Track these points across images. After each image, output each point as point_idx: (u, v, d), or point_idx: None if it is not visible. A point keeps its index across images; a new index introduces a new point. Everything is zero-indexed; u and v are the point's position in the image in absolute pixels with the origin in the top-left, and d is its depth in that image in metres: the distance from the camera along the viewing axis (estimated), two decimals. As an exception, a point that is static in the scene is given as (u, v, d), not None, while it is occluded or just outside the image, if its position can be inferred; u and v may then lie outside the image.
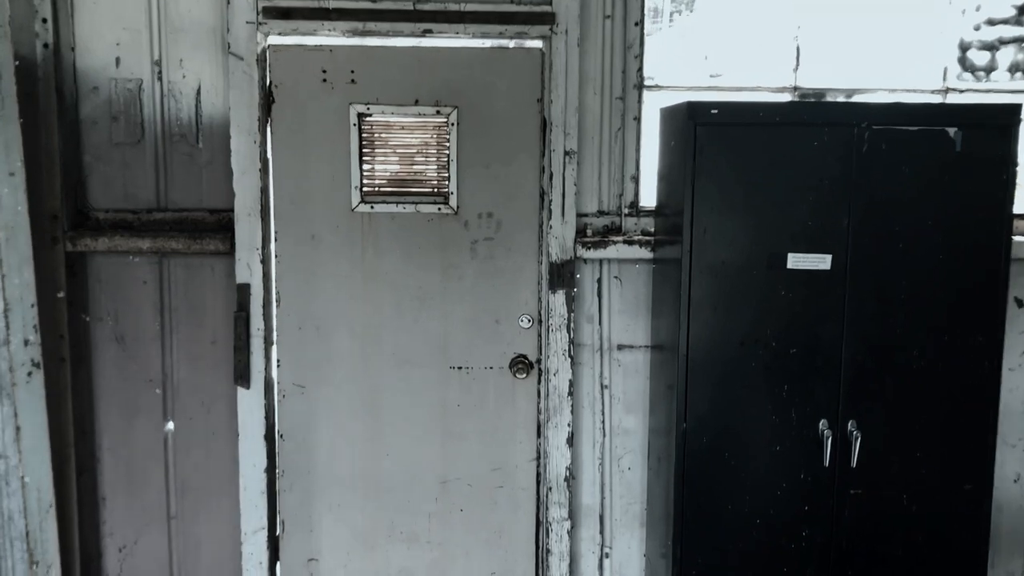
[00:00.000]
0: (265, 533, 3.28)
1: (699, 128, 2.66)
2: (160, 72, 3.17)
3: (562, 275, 3.20)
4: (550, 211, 3.18)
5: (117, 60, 3.16)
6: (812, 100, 3.31)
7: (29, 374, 2.96)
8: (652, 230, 3.27)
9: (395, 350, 3.28)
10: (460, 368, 3.30)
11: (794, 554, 2.83)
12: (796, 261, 2.72)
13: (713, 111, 2.65)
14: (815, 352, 2.76)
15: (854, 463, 2.77)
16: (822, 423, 2.77)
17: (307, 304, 3.24)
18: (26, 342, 2.93)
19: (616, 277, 3.31)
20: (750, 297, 2.73)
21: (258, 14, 3.07)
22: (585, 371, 3.35)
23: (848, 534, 2.82)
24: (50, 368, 3.06)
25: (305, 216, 3.19)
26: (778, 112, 2.69)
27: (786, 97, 3.32)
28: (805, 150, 2.68)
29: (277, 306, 3.24)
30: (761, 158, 2.68)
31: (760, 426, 2.78)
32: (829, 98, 3.33)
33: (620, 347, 3.35)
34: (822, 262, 2.72)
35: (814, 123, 2.68)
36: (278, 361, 3.26)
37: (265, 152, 3.17)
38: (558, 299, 3.22)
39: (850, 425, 2.77)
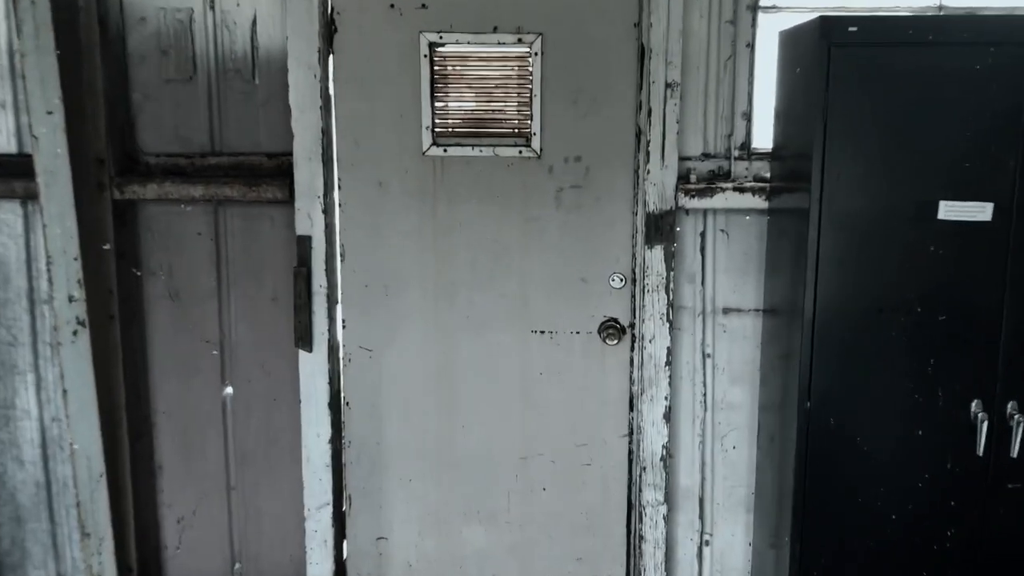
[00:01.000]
0: (330, 509, 3.00)
1: (834, 50, 2.20)
2: (212, 0, 2.85)
3: (660, 228, 2.79)
4: (647, 154, 2.76)
5: (166, -13, 2.85)
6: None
7: (75, 333, 2.72)
8: (767, 176, 2.82)
9: (470, 311, 2.93)
10: (543, 332, 2.94)
11: (935, 556, 2.41)
12: (949, 211, 2.26)
13: (852, 28, 2.19)
14: (969, 320, 2.29)
15: (1014, 452, 2.31)
16: (975, 404, 2.32)
17: (374, 259, 2.91)
18: (70, 298, 2.69)
19: (722, 230, 2.88)
20: (891, 254, 2.28)
21: (317, -70, 2.70)
22: (685, 337, 2.95)
23: (1002, 536, 2.38)
24: (98, 326, 2.81)
25: (371, 160, 2.85)
26: (932, 28, 2.21)
27: (930, 17, 2.81)
28: (964, 76, 2.20)
29: (342, 261, 2.92)
30: (909, 87, 2.21)
31: (899, 406, 2.34)
32: (983, 18, 2.81)
33: (726, 310, 2.93)
34: (981, 212, 2.25)
35: (977, 42, 2.19)
36: (343, 322, 2.95)
37: (327, 88, 2.82)
38: (655, 255, 2.81)
39: (1010, 407, 2.31)
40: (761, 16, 2.81)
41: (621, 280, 2.89)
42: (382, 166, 2.86)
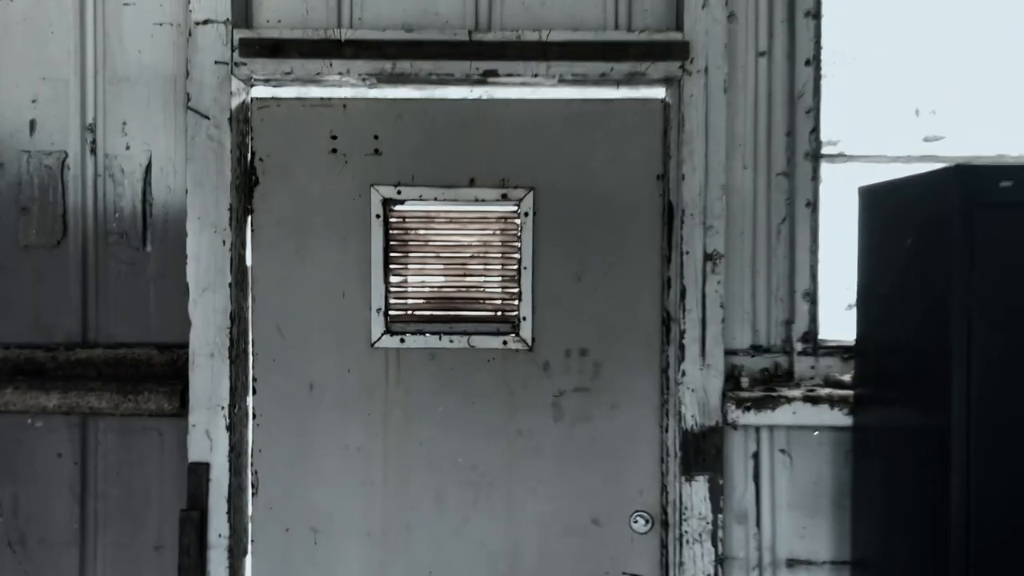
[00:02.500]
0: None
1: (979, 212, 1.47)
2: (94, 141, 2.13)
3: (703, 451, 1.99)
4: (681, 348, 1.99)
5: (32, 124, 2.13)
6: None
7: None
8: (841, 378, 2.05)
9: (436, 566, 2.07)
10: (537, 596, 2.08)
11: None
12: None
13: (1004, 183, 1.47)
14: None
15: None
16: None
17: (300, 494, 2.07)
18: None
19: (783, 451, 2.08)
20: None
21: (233, 50, 2.02)
22: (736, 603, 2.09)
23: None
24: None
25: (301, 355, 2.06)
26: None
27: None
28: None
29: (254, 496, 2.07)
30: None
31: None
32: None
33: (792, 564, 2.09)
34: None
35: None
36: (253, 582, 2.08)
37: (242, 258, 2.07)
38: (697, 491, 1.99)
39: None
40: (825, 167, 2.12)
41: (647, 522, 2.06)
42: (315, 363, 2.07)
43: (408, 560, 2.08)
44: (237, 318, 2.04)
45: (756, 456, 2.10)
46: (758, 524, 2.10)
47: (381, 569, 2.08)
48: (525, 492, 2.08)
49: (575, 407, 2.07)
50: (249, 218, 2.08)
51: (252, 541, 2.08)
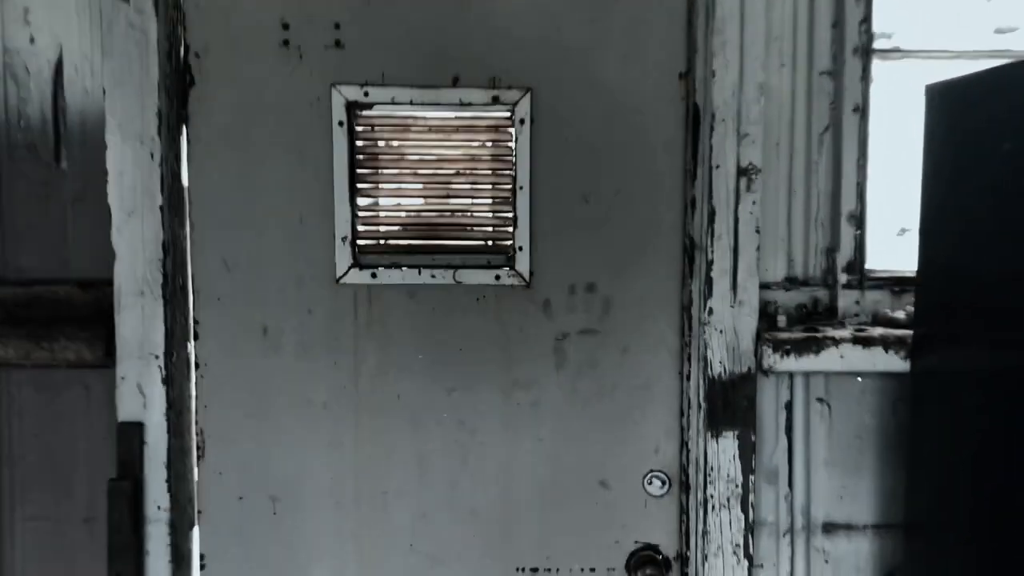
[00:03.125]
0: None
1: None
2: (-11, 33, 1.73)
3: (731, 402, 1.68)
4: (708, 281, 1.67)
5: (-90, 11, 1.72)
6: None
7: None
8: (895, 315, 1.75)
9: (416, 539, 1.76)
10: (535, 571, 1.78)
11: None
12: None
13: None
14: None
15: None
16: None
17: (255, 457, 1.75)
18: None
19: (821, 400, 1.78)
20: None
21: (156, -87, 1.61)
22: (761, 574, 1.81)
23: None
24: None
25: (251, 294, 1.72)
26: None
27: None
28: None
29: (200, 460, 1.74)
30: None
31: None
32: None
33: (828, 528, 1.82)
34: None
35: None
36: (201, 559, 1.75)
37: (176, 176, 1.69)
38: (724, 447, 1.69)
39: None
40: (876, 64, 1.77)
41: (663, 484, 1.77)
42: (270, 303, 1.72)
43: (386, 532, 1.77)
44: (172, 248, 1.68)
45: (789, 407, 1.80)
46: (790, 484, 1.82)
47: (354, 542, 1.77)
48: (522, 452, 1.77)
49: (581, 352, 1.75)
50: (184, 128, 1.70)
51: (199, 512, 1.76)
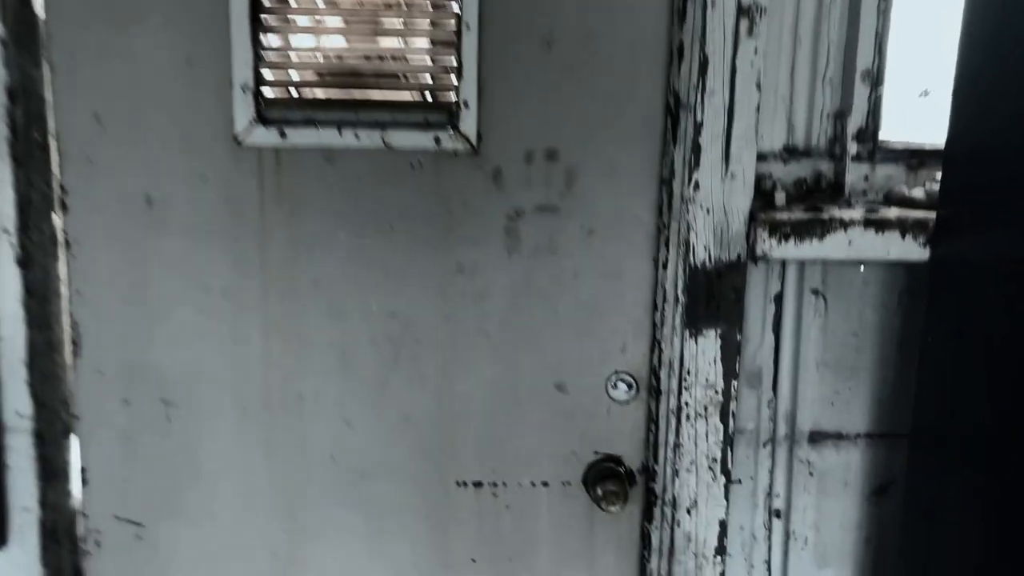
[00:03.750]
0: None
1: None
2: None
3: (716, 295, 1.41)
4: (695, 149, 1.37)
5: None
6: None
7: None
8: (912, 194, 1.47)
9: (337, 449, 1.50)
10: (479, 485, 1.54)
11: None
12: None
13: None
14: None
15: None
16: None
17: (142, 354, 1.45)
18: None
19: (816, 292, 1.52)
20: None
21: None
22: (739, 492, 1.59)
23: None
24: None
25: (130, 154, 1.38)
26: None
27: None
28: None
29: (76, 358, 1.44)
30: None
31: None
32: None
33: (815, 437, 1.59)
34: None
35: None
36: (83, 473, 1.47)
37: (28, 5, 1.32)
38: (704, 348, 1.43)
39: None
40: None
41: (629, 387, 1.51)
42: (153, 167, 1.38)
43: (302, 442, 1.50)
44: (24, 95, 1.32)
45: (779, 299, 1.53)
46: (774, 388, 1.57)
47: (264, 452, 1.50)
48: (466, 348, 1.49)
49: (537, 234, 1.45)
50: (32, -65, 1.31)
51: (77, 419, 1.46)
